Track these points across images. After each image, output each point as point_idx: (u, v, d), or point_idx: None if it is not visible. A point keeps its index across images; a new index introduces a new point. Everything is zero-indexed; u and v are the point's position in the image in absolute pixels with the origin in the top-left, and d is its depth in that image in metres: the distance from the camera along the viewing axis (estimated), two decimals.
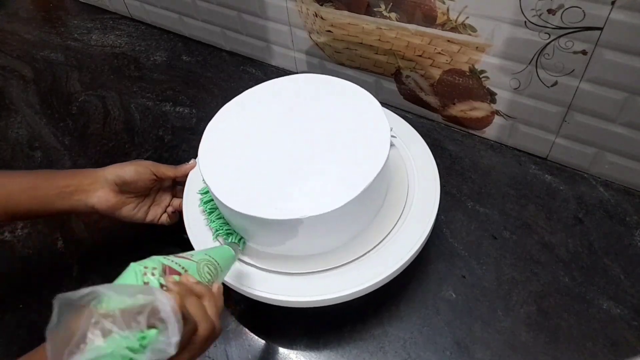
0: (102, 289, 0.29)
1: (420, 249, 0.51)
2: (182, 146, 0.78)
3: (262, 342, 0.55)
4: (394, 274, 0.50)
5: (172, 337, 0.30)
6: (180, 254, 0.41)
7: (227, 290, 0.54)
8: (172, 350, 0.30)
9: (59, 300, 0.27)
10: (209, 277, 0.41)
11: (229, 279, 0.50)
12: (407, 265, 0.51)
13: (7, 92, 0.92)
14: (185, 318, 0.33)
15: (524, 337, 0.52)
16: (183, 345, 0.34)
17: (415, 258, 0.51)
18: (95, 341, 0.27)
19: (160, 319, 0.30)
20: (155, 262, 0.37)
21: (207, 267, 0.42)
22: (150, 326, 0.29)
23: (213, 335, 0.38)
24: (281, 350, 0.54)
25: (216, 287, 0.41)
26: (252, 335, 0.55)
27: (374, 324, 0.54)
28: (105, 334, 0.27)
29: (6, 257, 0.65)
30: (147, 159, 0.76)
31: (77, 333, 0.27)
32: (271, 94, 0.58)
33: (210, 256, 0.43)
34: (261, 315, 0.56)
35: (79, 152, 0.79)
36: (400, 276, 0.50)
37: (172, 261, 0.38)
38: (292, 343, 0.54)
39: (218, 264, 0.44)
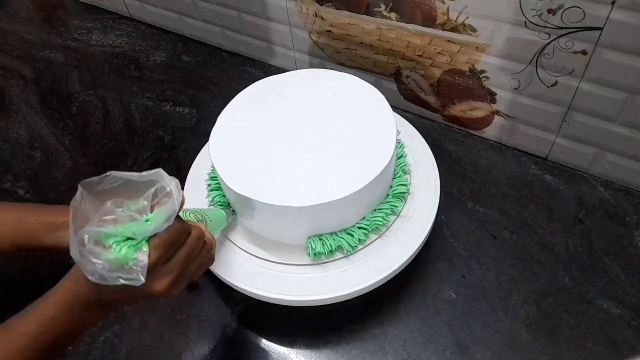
0: (116, 173, 0.34)
1: (420, 249, 0.51)
2: (182, 146, 0.78)
3: (262, 342, 0.55)
4: (393, 274, 0.50)
5: (176, 195, 0.34)
6: None
7: (228, 290, 0.54)
8: (176, 207, 0.34)
9: (83, 184, 0.33)
10: (195, 221, 0.44)
11: (229, 278, 0.50)
12: (407, 265, 0.51)
13: (7, 92, 0.92)
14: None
15: (524, 337, 0.52)
16: (176, 243, 0.37)
17: (415, 258, 0.51)
18: (109, 222, 0.33)
19: (162, 195, 0.35)
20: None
21: (194, 214, 0.45)
22: (153, 207, 0.35)
23: (206, 240, 0.41)
24: (281, 350, 0.54)
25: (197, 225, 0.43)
26: (252, 335, 0.55)
27: (374, 324, 0.54)
28: (118, 218, 0.33)
29: (6, 257, 0.65)
30: (147, 159, 0.76)
31: (94, 214, 0.33)
32: (284, 86, 0.60)
33: (199, 210, 0.47)
34: (261, 315, 0.56)
35: (79, 152, 0.79)
36: (400, 276, 0.50)
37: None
38: (292, 343, 0.54)
39: (206, 215, 0.47)
